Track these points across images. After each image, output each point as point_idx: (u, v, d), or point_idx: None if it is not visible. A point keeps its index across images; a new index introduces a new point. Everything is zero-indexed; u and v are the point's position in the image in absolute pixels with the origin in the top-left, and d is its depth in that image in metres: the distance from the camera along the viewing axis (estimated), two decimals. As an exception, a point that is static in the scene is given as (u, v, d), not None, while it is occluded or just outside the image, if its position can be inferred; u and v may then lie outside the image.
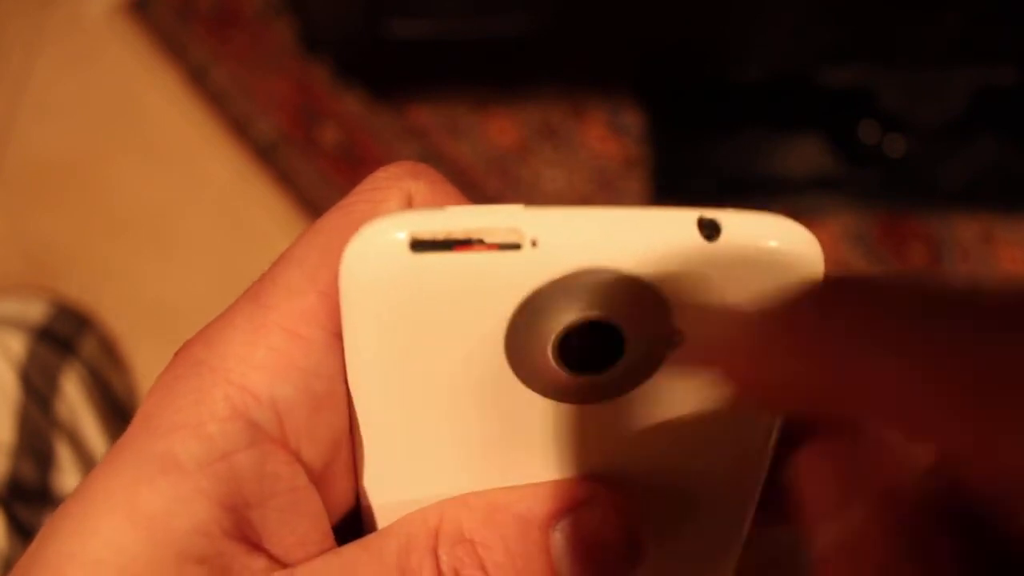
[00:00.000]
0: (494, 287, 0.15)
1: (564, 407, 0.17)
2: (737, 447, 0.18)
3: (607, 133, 1.05)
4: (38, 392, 0.44)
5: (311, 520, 0.17)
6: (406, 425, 0.17)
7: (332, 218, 0.18)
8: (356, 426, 0.17)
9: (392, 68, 1.01)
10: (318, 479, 0.17)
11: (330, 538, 0.17)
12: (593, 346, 0.16)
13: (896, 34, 0.89)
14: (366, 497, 0.18)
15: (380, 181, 0.18)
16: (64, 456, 0.44)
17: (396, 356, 0.16)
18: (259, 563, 0.16)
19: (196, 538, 0.15)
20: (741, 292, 0.15)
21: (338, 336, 0.17)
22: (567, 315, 0.15)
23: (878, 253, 0.99)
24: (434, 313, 0.15)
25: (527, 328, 0.15)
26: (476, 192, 1.03)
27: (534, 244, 0.15)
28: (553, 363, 0.16)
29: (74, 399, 0.46)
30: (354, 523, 0.19)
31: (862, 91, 0.92)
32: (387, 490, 0.18)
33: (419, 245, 0.15)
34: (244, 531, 0.16)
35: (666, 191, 1.01)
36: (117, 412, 0.49)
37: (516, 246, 0.15)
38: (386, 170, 0.19)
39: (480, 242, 0.15)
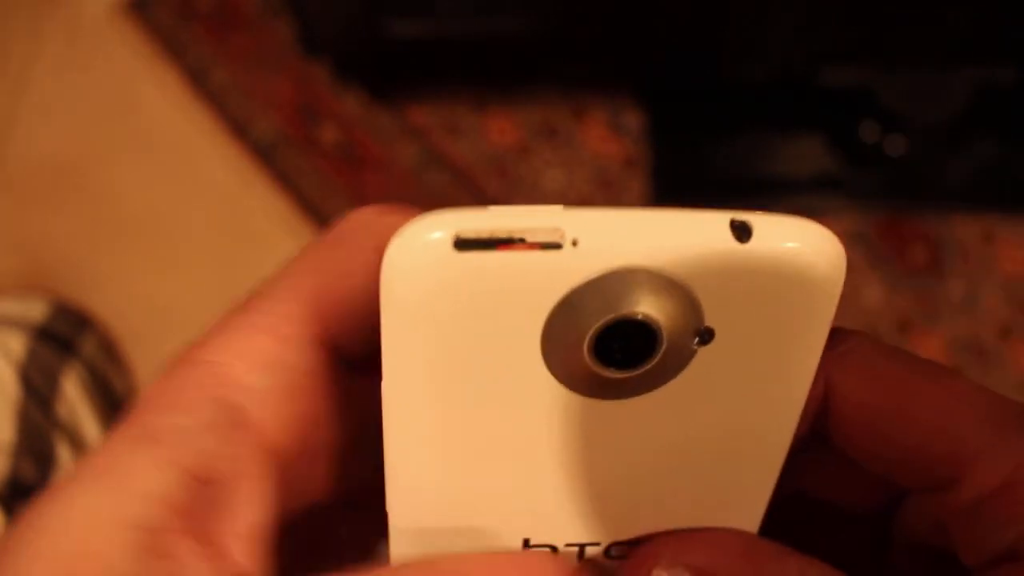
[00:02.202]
0: (534, 285, 0.16)
1: (594, 402, 0.17)
2: (757, 436, 0.19)
3: (607, 133, 1.05)
4: (38, 392, 0.44)
5: (266, 506, 0.18)
6: (437, 422, 0.17)
7: (313, 243, 0.20)
8: (385, 425, 0.18)
9: (392, 68, 1.02)
10: (286, 465, 0.18)
11: (275, 527, 0.18)
12: (627, 343, 0.16)
13: (896, 34, 0.89)
14: (393, 482, 0.18)
15: (354, 220, 0.20)
16: (64, 455, 0.44)
17: (433, 352, 0.16)
18: (206, 549, 0.17)
19: (156, 507, 0.16)
20: (768, 291, 0.16)
21: (316, 338, 0.18)
22: (604, 313, 0.16)
23: (878, 253, 0.99)
24: (474, 311, 0.16)
25: (564, 325, 0.16)
26: (476, 192, 1.03)
27: (574, 244, 0.15)
28: (588, 359, 0.16)
29: (74, 399, 0.46)
30: (320, 515, 0.20)
31: (862, 91, 0.92)
32: (415, 480, 0.18)
33: (463, 244, 0.15)
34: (202, 508, 0.17)
35: (666, 191, 1.01)
36: (117, 411, 0.49)
37: (557, 246, 0.15)
38: (360, 210, 0.20)
39: (522, 241, 0.15)
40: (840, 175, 1.00)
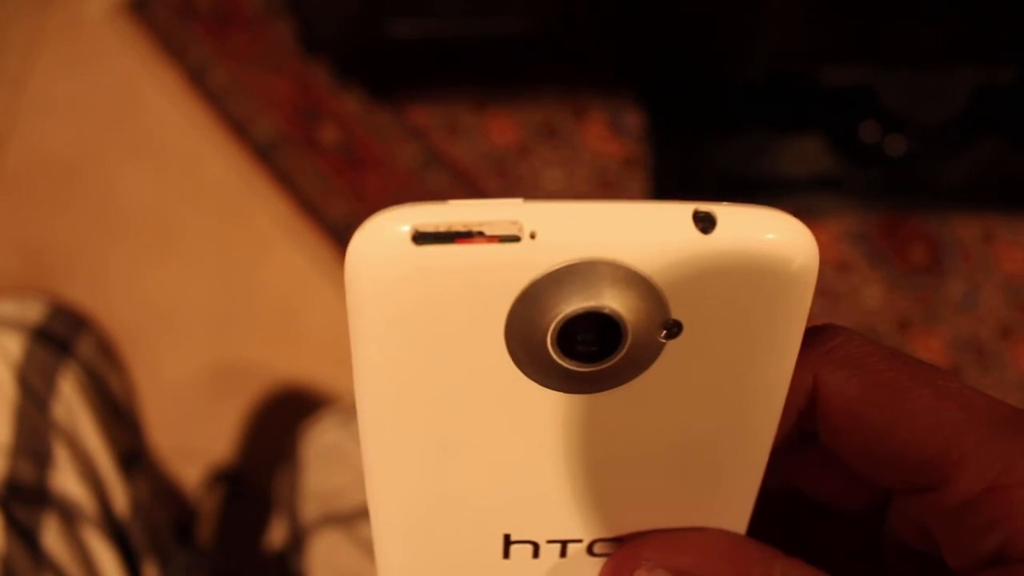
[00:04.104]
0: (494, 279, 0.15)
1: (564, 397, 0.17)
2: (738, 432, 0.18)
3: (607, 133, 1.05)
4: (35, 393, 0.44)
5: None
6: (409, 419, 0.17)
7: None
8: (360, 424, 0.18)
9: (392, 68, 1.02)
10: None
11: None
12: (593, 337, 0.16)
13: (896, 34, 0.89)
14: (371, 483, 0.19)
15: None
16: (62, 456, 0.44)
17: (400, 348, 0.16)
18: None
19: None
20: (736, 283, 0.16)
21: None
22: (565, 305, 0.16)
23: (879, 253, 0.99)
24: (436, 304, 0.16)
25: (526, 318, 0.16)
26: (476, 192, 1.03)
27: (532, 236, 0.15)
28: (552, 353, 0.16)
29: (71, 400, 0.45)
30: None
31: (862, 91, 0.92)
32: (393, 475, 0.18)
33: (421, 237, 0.15)
34: None
35: (666, 191, 1.01)
36: (114, 413, 0.49)
37: (515, 238, 0.15)
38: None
39: (480, 235, 0.15)
40: (840, 175, 1.00)
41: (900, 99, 0.90)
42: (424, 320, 0.16)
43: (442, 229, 0.15)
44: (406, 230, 0.15)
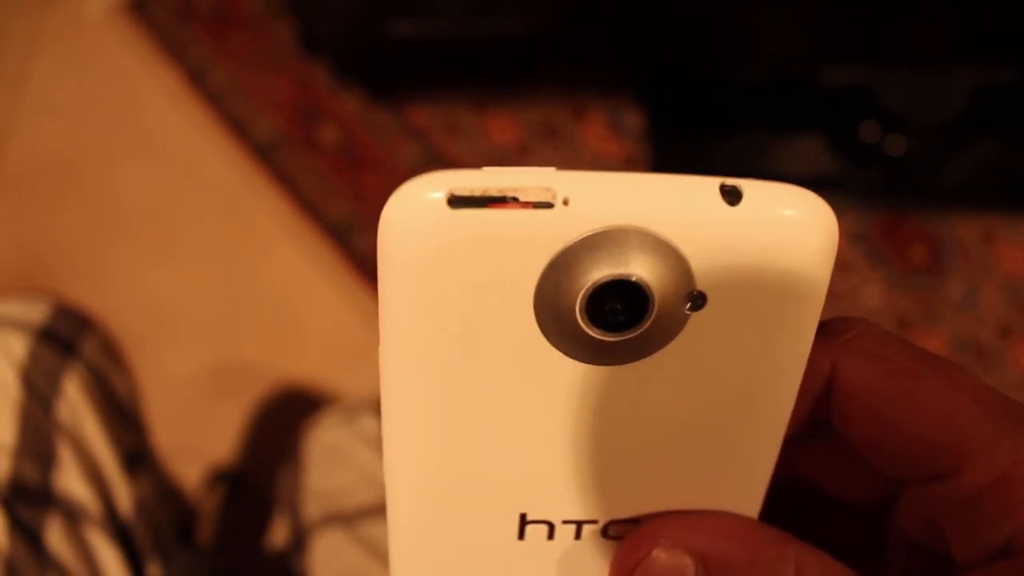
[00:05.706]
0: (526, 244, 0.16)
1: (587, 368, 0.17)
2: (755, 411, 0.18)
3: (607, 133, 1.05)
4: (40, 393, 0.44)
5: None
6: (433, 387, 0.17)
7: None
8: (383, 393, 0.18)
9: (392, 68, 1.02)
10: None
11: None
12: (620, 308, 0.16)
13: (896, 34, 0.89)
14: (388, 454, 0.19)
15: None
16: (66, 457, 0.44)
17: (430, 311, 0.16)
18: None
19: None
20: (758, 256, 0.16)
21: None
22: (594, 273, 0.16)
23: (879, 253, 0.99)
24: (468, 268, 0.16)
25: (556, 285, 0.16)
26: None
27: (565, 203, 0.15)
28: (580, 321, 0.16)
29: (76, 400, 0.46)
30: None
31: (862, 91, 0.92)
32: (412, 446, 0.18)
33: (456, 201, 0.15)
34: None
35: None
36: (118, 413, 0.49)
37: (549, 205, 0.15)
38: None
39: (515, 200, 0.15)
40: (840, 175, 1.00)
41: (900, 99, 0.91)
42: (456, 284, 0.16)
43: (477, 193, 0.15)
44: (442, 194, 0.15)
